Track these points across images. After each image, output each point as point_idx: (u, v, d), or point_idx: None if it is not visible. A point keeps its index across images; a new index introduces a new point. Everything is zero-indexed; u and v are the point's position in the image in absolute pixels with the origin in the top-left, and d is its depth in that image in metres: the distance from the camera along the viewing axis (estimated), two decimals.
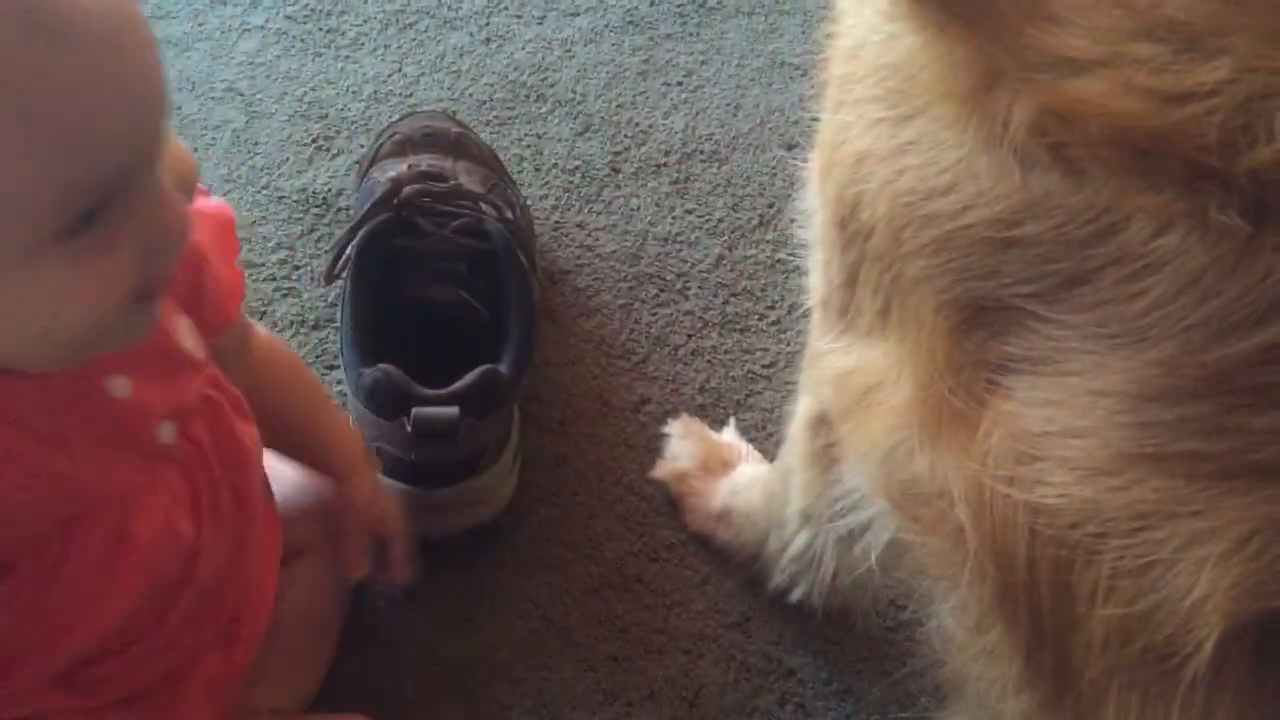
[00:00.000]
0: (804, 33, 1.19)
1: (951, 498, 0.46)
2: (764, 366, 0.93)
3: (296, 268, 0.93)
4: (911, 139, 0.48)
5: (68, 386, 0.50)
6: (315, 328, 0.90)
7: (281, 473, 0.70)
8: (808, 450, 0.62)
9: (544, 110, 1.08)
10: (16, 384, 0.49)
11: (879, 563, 0.59)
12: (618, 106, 1.09)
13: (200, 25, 1.09)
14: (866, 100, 0.51)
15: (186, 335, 0.56)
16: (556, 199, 1.01)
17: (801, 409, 0.64)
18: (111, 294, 0.46)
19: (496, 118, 1.06)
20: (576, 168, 1.04)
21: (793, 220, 0.94)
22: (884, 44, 0.50)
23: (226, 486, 0.59)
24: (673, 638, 0.78)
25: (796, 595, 0.74)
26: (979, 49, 0.43)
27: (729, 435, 0.86)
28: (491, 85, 1.09)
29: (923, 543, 0.51)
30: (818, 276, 0.57)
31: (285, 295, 0.91)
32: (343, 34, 1.11)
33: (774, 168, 1.06)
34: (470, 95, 1.08)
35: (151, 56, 0.45)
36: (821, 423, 0.60)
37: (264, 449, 0.64)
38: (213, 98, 1.04)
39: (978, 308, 0.45)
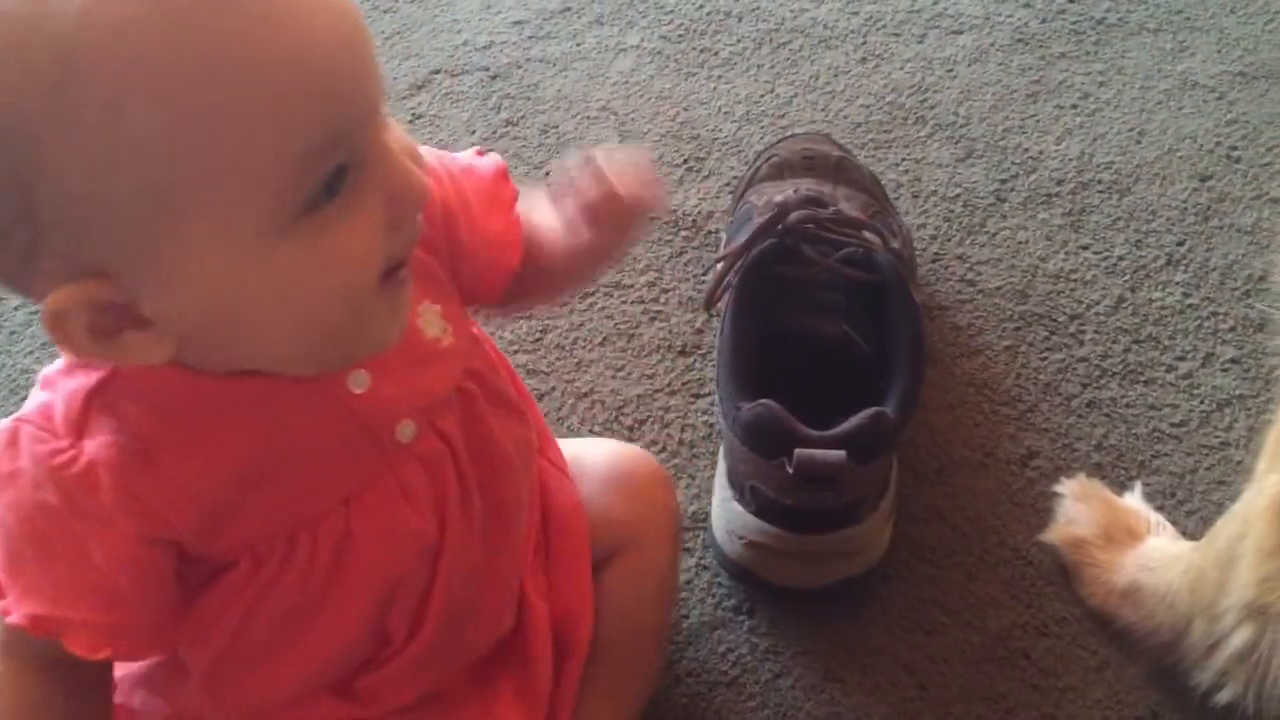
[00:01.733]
0: (1218, 51, 1.06)
1: None
2: (1173, 425, 0.82)
3: (665, 290, 0.91)
4: None
5: (308, 386, 0.48)
6: (682, 353, 0.87)
7: (584, 475, 0.66)
8: (1275, 537, 0.53)
9: (924, 134, 1.01)
10: (255, 384, 0.47)
11: None
12: (1004, 130, 1.01)
13: (578, 45, 1.10)
14: None
15: (432, 323, 0.52)
16: (936, 228, 0.94)
17: (1267, 488, 0.54)
18: (367, 265, 0.44)
19: (873, 141, 1.01)
20: (958, 195, 0.96)
21: (1208, 258, 0.83)
22: None
23: (478, 486, 0.54)
24: None
25: (1225, 697, 0.63)
26: None
27: (1134, 501, 0.76)
28: (868, 107, 1.04)
29: None
30: None
31: (653, 319, 0.89)
32: (716, 54, 1.09)
33: (1184, 201, 0.95)
34: (845, 117, 1.03)
35: (354, 13, 0.43)
36: None
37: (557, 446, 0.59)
38: (588, 117, 1.04)
39: None
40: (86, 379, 0.46)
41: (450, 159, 0.56)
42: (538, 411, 0.66)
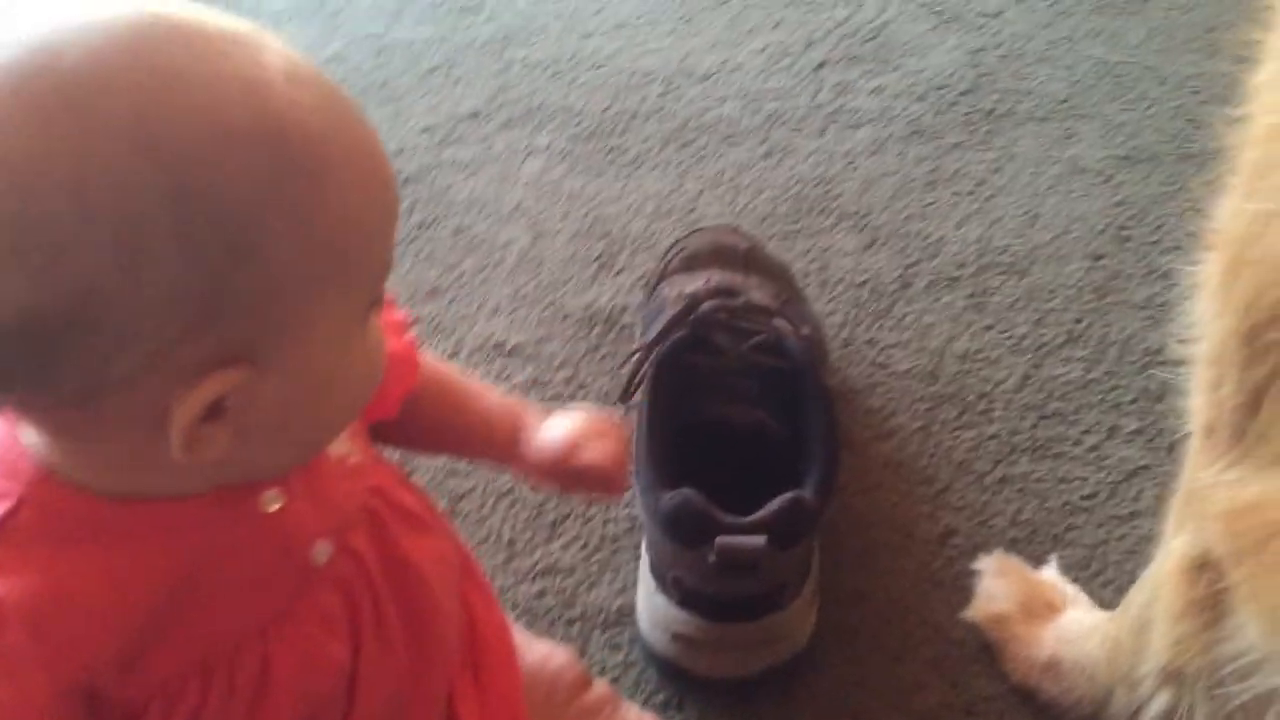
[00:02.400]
0: (1103, 137, 1.11)
1: None
2: (1083, 497, 0.84)
3: (581, 386, 0.91)
4: None
5: (225, 507, 0.47)
6: None
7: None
8: (1184, 599, 0.54)
9: (828, 224, 1.04)
10: (169, 507, 0.46)
11: None
12: (906, 218, 1.04)
13: (489, 148, 1.12)
14: None
15: (340, 442, 0.52)
16: (845, 314, 0.96)
17: (1174, 551, 0.55)
18: (381, 368, 0.49)
19: (780, 231, 1.03)
20: (865, 282, 0.99)
21: (1106, 333, 0.85)
22: None
23: (394, 606, 0.53)
24: None
25: None
26: None
27: (1050, 574, 0.77)
28: (774, 199, 1.06)
29: None
30: (1203, 398, 0.50)
31: None
32: (624, 152, 1.11)
33: (1080, 280, 0.99)
34: (753, 210, 1.05)
35: None
36: (1204, 567, 0.52)
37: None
38: (500, 218, 1.05)
39: None
40: None
41: None
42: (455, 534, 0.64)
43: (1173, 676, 0.58)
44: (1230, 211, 0.45)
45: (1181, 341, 0.51)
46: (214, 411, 0.41)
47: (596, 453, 0.61)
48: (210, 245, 0.38)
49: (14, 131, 0.37)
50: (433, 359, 0.64)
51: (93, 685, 0.45)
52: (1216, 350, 0.47)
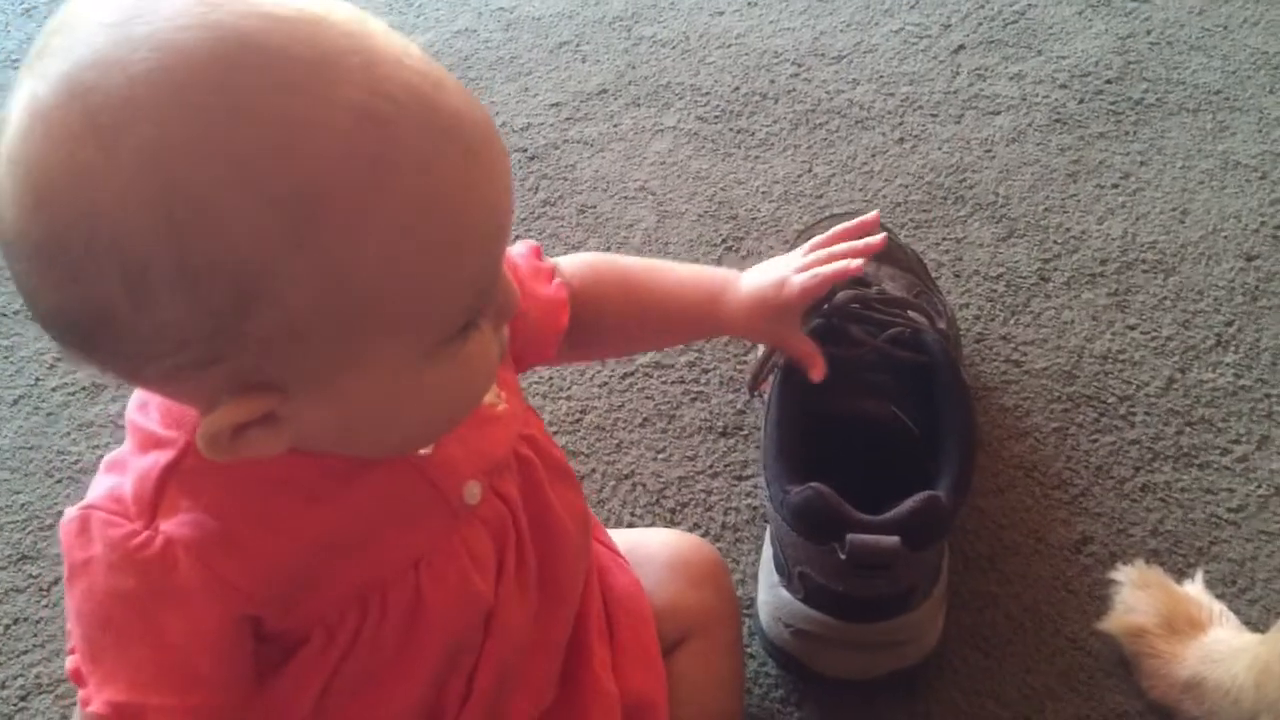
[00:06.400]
0: (1260, 130, 1.06)
1: None
2: (1230, 510, 0.80)
3: (705, 371, 0.90)
4: None
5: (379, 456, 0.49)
6: (724, 434, 0.86)
7: (644, 565, 0.66)
8: None
9: (963, 213, 1.01)
10: (329, 457, 0.47)
11: None
12: (1045, 210, 1.00)
13: (615, 126, 1.11)
14: None
15: (490, 392, 0.53)
16: (979, 309, 0.93)
17: None
18: (492, 372, 0.48)
19: (912, 220, 1.00)
20: (1000, 275, 0.95)
21: (1259, 338, 0.81)
22: None
23: (534, 551, 0.55)
24: None
25: None
26: None
27: (1195, 589, 0.74)
28: (906, 187, 1.03)
29: None
30: None
31: (694, 399, 0.88)
32: (752, 134, 1.09)
33: (1232, 280, 0.94)
34: (884, 197, 1.02)
35: (508, 154, 0.45)
36: None
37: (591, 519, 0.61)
38: (626, 197, 1.04)
39: None
40: (158, 457, 0.46)
41: None
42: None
43: None
44: None
45: None
46: (265, 419, 0.42)
47: (802, 278, 0.68)
48: (215, 292, 0.38)
49: (47, 151, 0.37)
50: (610, 261, 0.68)
51: (258, 617, 0.48)
52: None
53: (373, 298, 0.40)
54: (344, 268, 0.39)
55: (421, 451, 0.50)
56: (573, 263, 0.65)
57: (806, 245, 0.72)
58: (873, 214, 0.73)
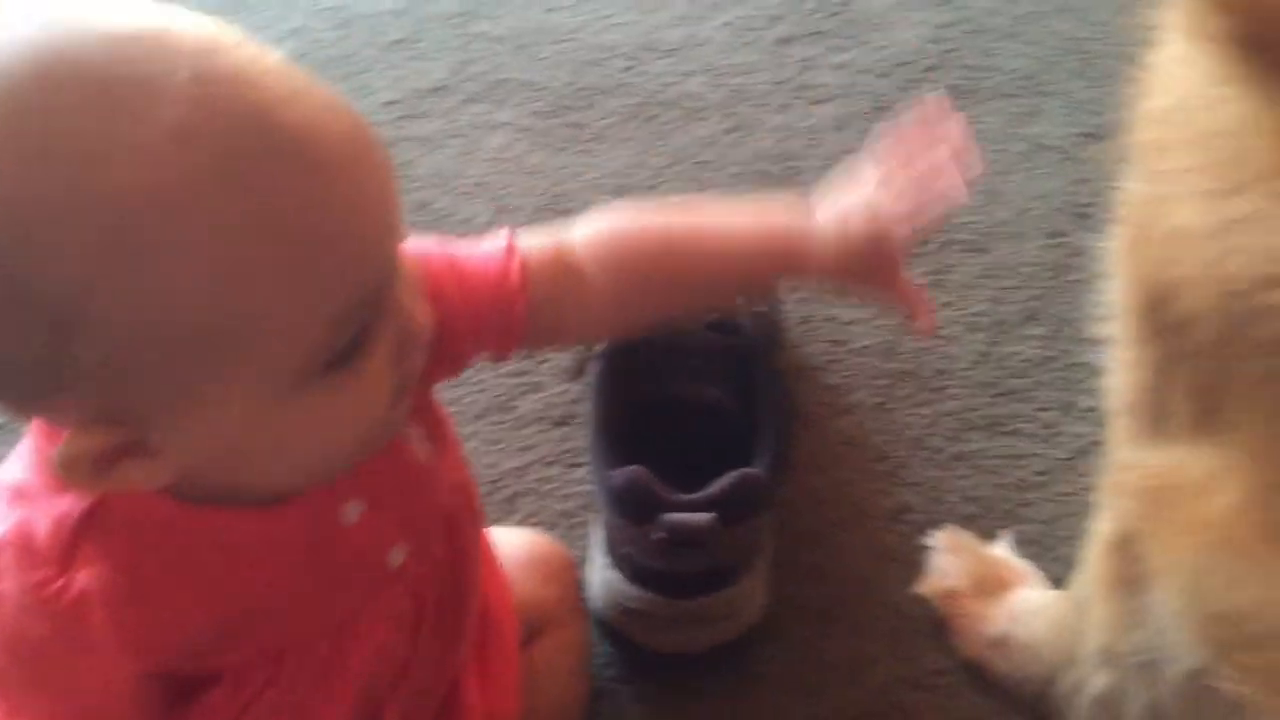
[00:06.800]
0: (1067, 115, 1.11)
1: None
2: (1037, 474, 0.84)
3: (540, 362, 0.91)
4: (1243, 214, 0.40)
5: (303, 518, 0.48)
6: (558, 424, 0.87)
7: (505, 562, 0.67)
8: (1108, 578, 0.54)
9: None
10: (248, 517, 0.46)
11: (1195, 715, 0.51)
12: None
13: (451, 123, 1.11)
14: (1186, 169, 0.43)
15: (420, 443, 0.53)
16: (804, 291, 0.96)
17: (1100, 529, 0.56)
18: (379, 404, 0.45)
19: None
20: None
21: (1063, 311, 0.86)
22: (1210, 108, 0.43)
23: (451, 596, 0.56)
24: None
25: None
26: None
27: (1003, 551, 0.78)
28: (737, 176, 1.06)
29: (1249, 698, 0.43)
30: (1123, 376, 0.50)
31: (528, 391, 0.89)
32: (586, 128, 1.11)
33: (1038, 258, 0.99)
34: (716, 186, 1.05)
35: (389, 169, 0.43)
36: (1124, 544, 0.52)
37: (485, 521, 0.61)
38: (462, 193, 1.05)
39: None
40: (74, 503, 0.44)
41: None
42: None
43: (1109, 656, 0.59)
44: (1130, 190, 0.45)
45: (1101, 320, 0.51)
46: (143, 452, 0.41)
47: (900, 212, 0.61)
48: (39, 316, 0.37)
49: None
50: (639, 230, 0.61)
51: (168, 669, 0.47)
52: (1126, 329, 0.48)
53: (200, 326, 0.38)
54: (162, 295, 0.37)
55: (349, 522, 0.49)
56: (590, 234, 0.61)
57: (878, 154, 0.64)
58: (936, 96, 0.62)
